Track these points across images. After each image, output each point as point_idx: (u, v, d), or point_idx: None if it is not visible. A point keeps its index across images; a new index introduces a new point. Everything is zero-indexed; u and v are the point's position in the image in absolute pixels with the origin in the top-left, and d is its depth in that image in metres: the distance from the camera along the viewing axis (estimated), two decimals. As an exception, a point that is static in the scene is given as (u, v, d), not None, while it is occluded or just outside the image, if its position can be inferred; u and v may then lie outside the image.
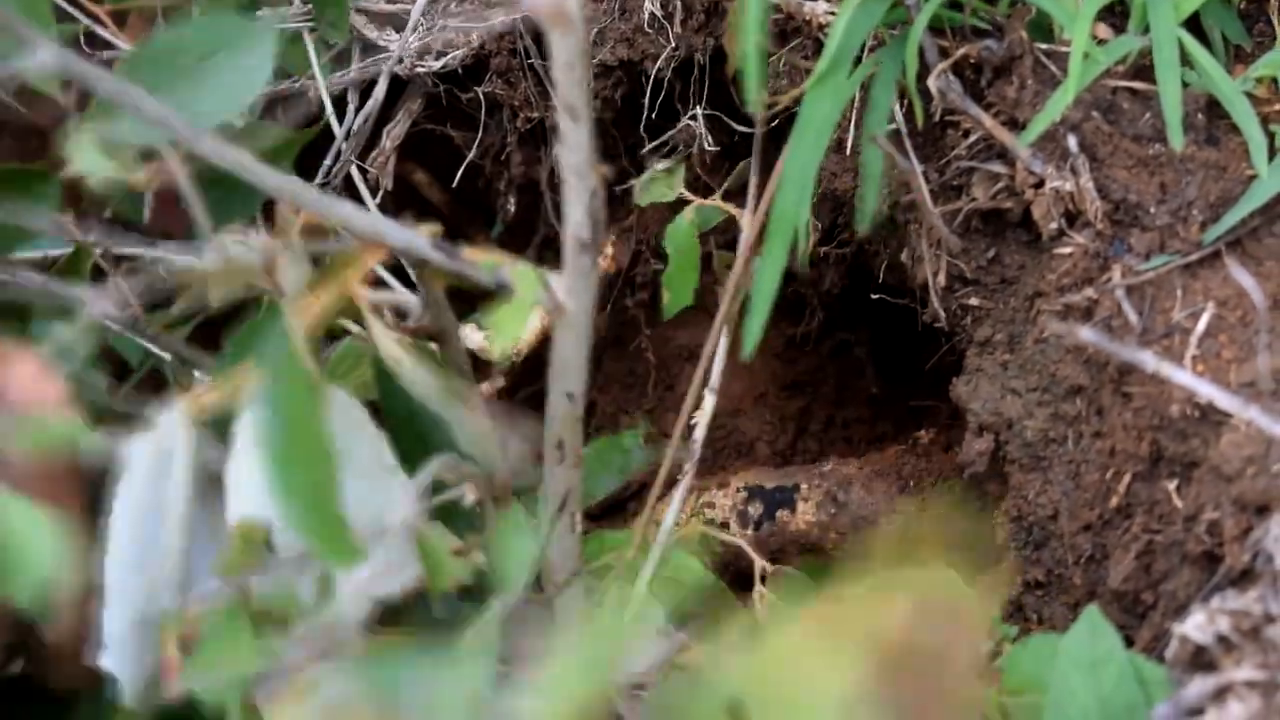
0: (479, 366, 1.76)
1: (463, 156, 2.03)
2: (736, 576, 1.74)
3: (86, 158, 0.97)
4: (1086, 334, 1.12)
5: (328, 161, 1.86)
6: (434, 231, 1.15)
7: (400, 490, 1.17)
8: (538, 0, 1.00)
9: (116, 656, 1.12)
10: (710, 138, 1.78)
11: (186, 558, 1.13)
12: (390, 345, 1.09)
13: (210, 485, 1.21)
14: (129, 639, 1.12)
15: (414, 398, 1.22)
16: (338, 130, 1.87)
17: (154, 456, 1.11)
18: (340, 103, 1.90)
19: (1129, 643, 1.37)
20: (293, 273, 1.10)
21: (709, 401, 1.66)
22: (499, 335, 1.06)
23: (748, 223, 1.55)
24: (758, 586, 1.65)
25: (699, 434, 1.66)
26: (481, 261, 1.11)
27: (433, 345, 1.41)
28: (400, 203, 2.25)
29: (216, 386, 1.12)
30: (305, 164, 1.86)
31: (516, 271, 1.10)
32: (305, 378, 1.03)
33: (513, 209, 2.05)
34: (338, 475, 1.03)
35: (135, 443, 1.11)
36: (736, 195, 1.73)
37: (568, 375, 1.24)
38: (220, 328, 1.41)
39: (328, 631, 1.01)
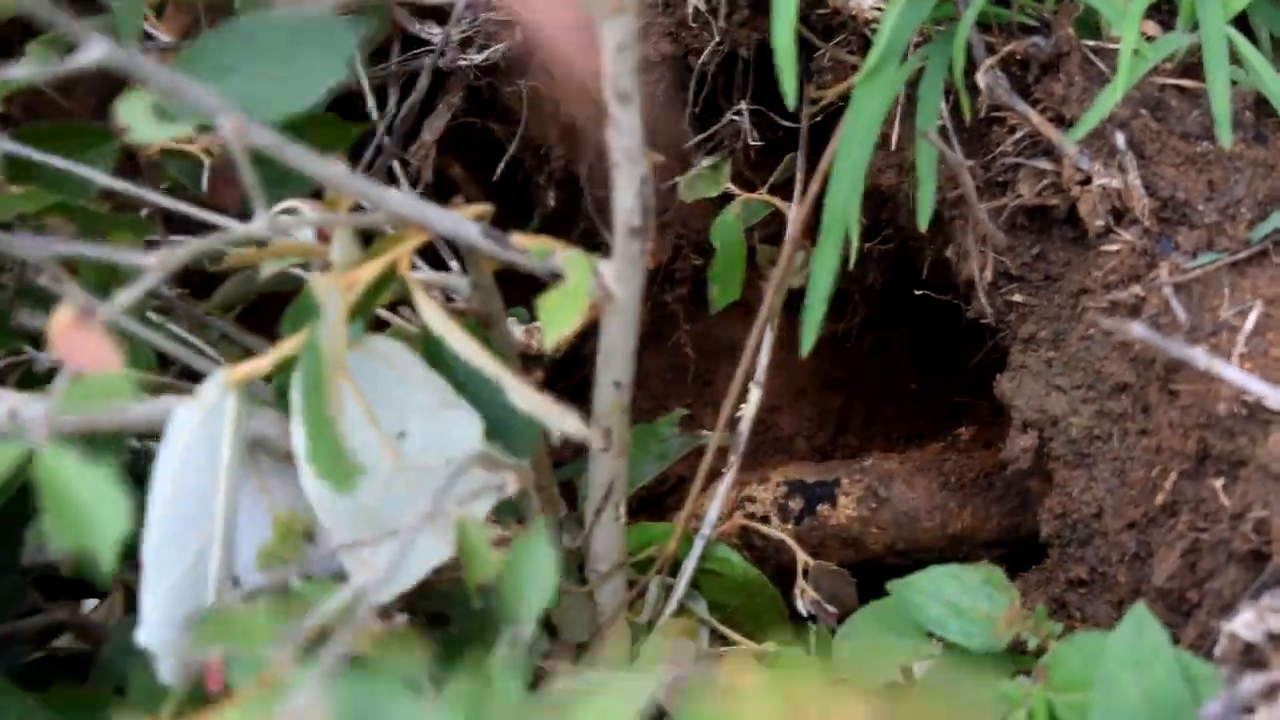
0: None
1: (500, 150, 2.04)
2: (778, 570, 1.74)
3: (140, 124, 0.97)
4: (1138, 330, 1.12)
5: (369, 154, 1.87)
6: (482, 214, 1.15)
7: (465, 422, 1.17)
8: (590, -16, 1.00)
9: (156, 633, 1.11)
10: (755, 133, 1.78)
11: (233, 530, 1.13)
12: (436, 316, 1.09)
13: (257, 455, 1.21)
14: (169, 615, 1.11)
15: (459, 377, 1.23)
16: (380, 122, 1.87)
17: (199, 425, 1.11)
18: (381, 95, 1.90)
19: (1174, 641, 1.37)
20: (342, 247, 1.11)
21: (755, 395, 1.66)
22: (551, 323, 1.05)
23: (793, 217, 1.55)
24: (799, 582, 1.65)
25: (745, 427, 1.66)
26: (531, 248, 1.11)
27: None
28: (439, 196, 2.26)
29: (266, 355, 1.13)
30: (347, 157, 1.86)
31: (567, 258, 1.10)
32: (337, 335, 1.03)
33: (552, 203, 2.05)
34: (342, 417, 1.04)
35: (179, 410, 1.11)
36: (781, 190, 1.73)
37: (615, 363, 1.25)
38: (263, 317, 1.42)
39: (319, 626, 0.99)
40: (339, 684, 0.91)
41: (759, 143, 1.79)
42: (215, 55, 1.29)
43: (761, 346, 1.66)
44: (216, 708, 0.90)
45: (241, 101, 1.39)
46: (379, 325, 1.50)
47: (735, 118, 1.79)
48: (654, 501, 2.05)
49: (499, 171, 2.04)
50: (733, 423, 1.66)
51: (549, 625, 1.51)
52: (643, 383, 2.18)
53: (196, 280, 1.54)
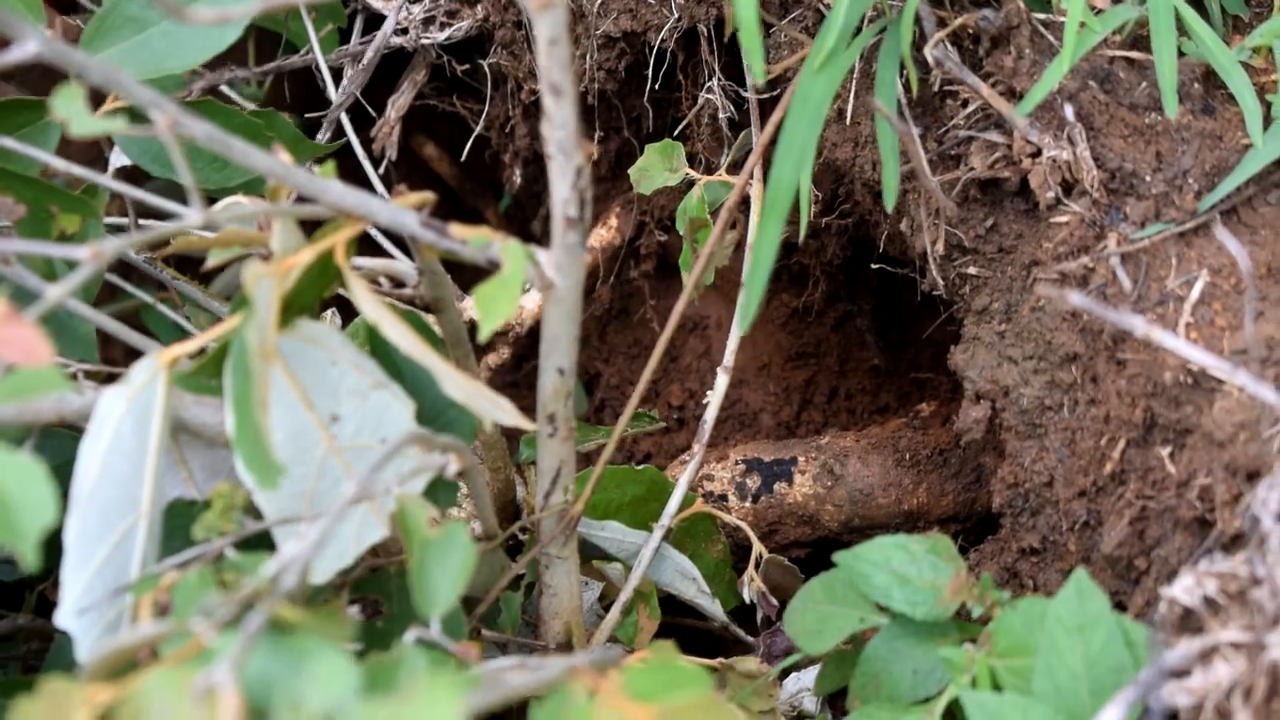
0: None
1: (472, 130, 2.04)
2: (735, 548, 1.75)
3: (77, 117, 0.97)
4: (1076, 299, 1.12)
5: (325, 133, 1.87)
6: (423, 202, 1.15)
7: (397, 404, 1.18)
8: (522, -32, 1.00)
9: (75, 615, 1.12)
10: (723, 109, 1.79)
11: (159, 513, 1.14)
12: (370, 306, 1.10)
13: (187, 446, 1.22)
14: (88, 598, 1.12)
15: (401, 364, 1.24)
16: (335, 97, 1.88)
17: (126, 409, 1.12)
18: (340, 77, 1.91)
19: (1122, 608, 1.38)
20: (282, 236, 1.11)
21: (721, 381, 1.66)
22: (487, 313, 1.05)
23: (732, 194, 1.55)
24: (749, 570, 1.66)
25: (710, 414, 1.66)
26: (470, 238, 1.12)
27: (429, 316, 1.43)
28: (410, 175, 2.27)
29: (197, 339, 1.14)
30: (310, 133, 1.87)
31: (505, 248, 1.10)
32: (264, 326, 1.04)
33: (519, 181, 2.05)
34: (268, 415, 1.05)
35: (107, 393, 1.12)
36: (741, 166, 1.73)
37: (558, 350, 1.25)
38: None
39: (248, 598, 1.00)
40: (260, 647, 0.92)
41: (724, 116, 1.79)
42: (129, 7, 1.30)
43: (732, 332, 1.65)
44: (137, 674, 0.91)
45: (162, 51, 1.41)
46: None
47: (707, 95, 1.79)
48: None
49: (466, 151, 2.05)
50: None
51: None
52: (609, 359, 2.19)
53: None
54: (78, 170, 1.34)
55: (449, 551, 1.09)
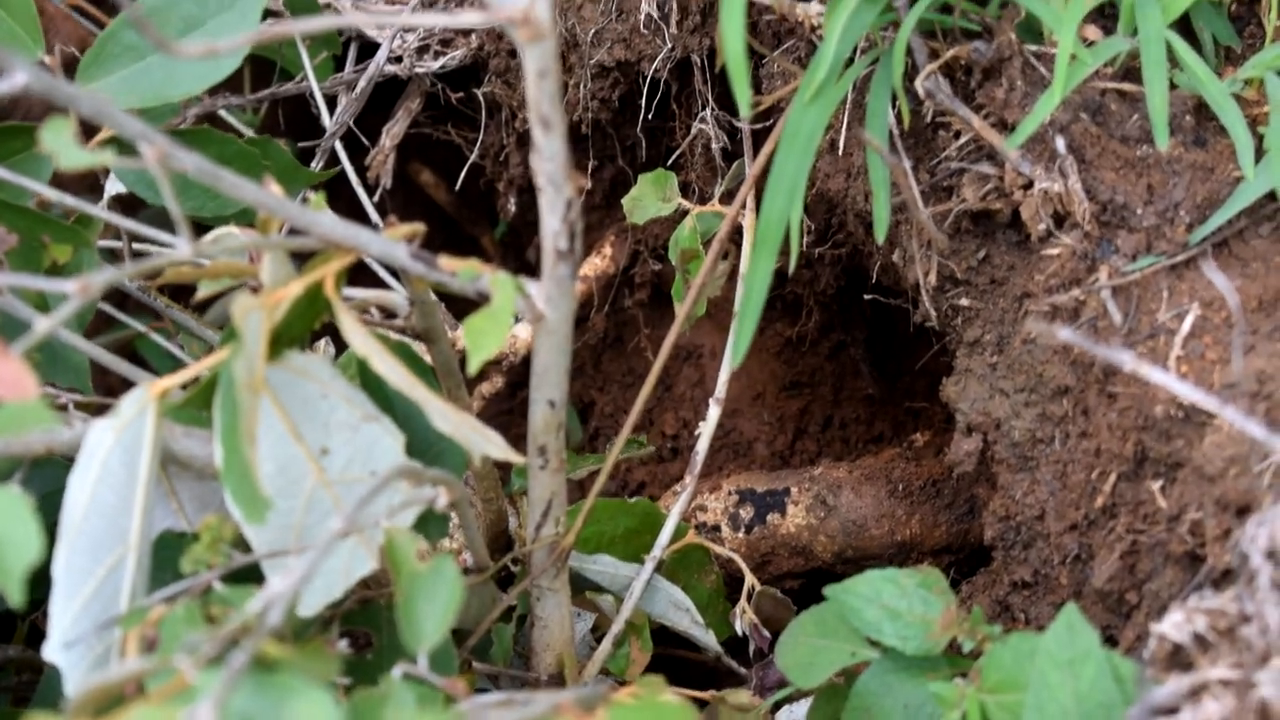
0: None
1: (467, 157, 2.05)
2: (728, 579, 1.75)
3: (64, 148, 0.97)
4: (1064, 334, 1.12)
5: (318, 161, 1.87)
6: (413, 234, 1.15)
7: (387, 436, 1.18)
8: (507, 7, 1.00)
9: (64, 649, 1.12)
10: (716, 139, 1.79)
11: (148, 545, 1.14)
12: (360, 339, 1.10)
13: (178, 478, 1.22)
14: (77, 631, 1.12)
15: (390, 397, 1.24)
16: (329, 126, 1.88)
17: (115, 441, 1.12)
18: (334, 105, 1.91)
19: (1113, 642, 1.38)
20: (272, 268, 1.11)
21: (713, 413, 1.66)
22: (476, 345, 1.05)
23: (724, 225, 1.55)
24: (742, 602, 1.66)
25: (702, 446, 1.66)
26: (460, 270, 1.11)
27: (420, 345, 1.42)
28: (407, 201, 2.27)
29: (186, 371, 1.14)
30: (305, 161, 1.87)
31: (494, 280, 1.10)
32: (252, 360, 1.04)
33: (514, 209, 2.05)
34: (255, 449, 1.05)
35: (94, 427, 1.12)
36: (735, 195, 1.73)
37: (549, 382, 1.25)
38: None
39: (233, 634, 1.00)
40: (245, 685, 0.92)
41: (717, 146, 1.80)
42: (126, 36, 1.30)
43: (724, 364, 1.65)
44: (123, 710, 0.91)
45: (160, 80, 1.41)
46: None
47: (701, 125, 1.79)
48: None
49: (461, 178, 2.05)
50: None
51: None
52: (603, 387, 2.18)
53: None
54: (70, 200, 1.34)
55: (436, 586, 1.09)
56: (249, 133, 1.99)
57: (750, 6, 1.63)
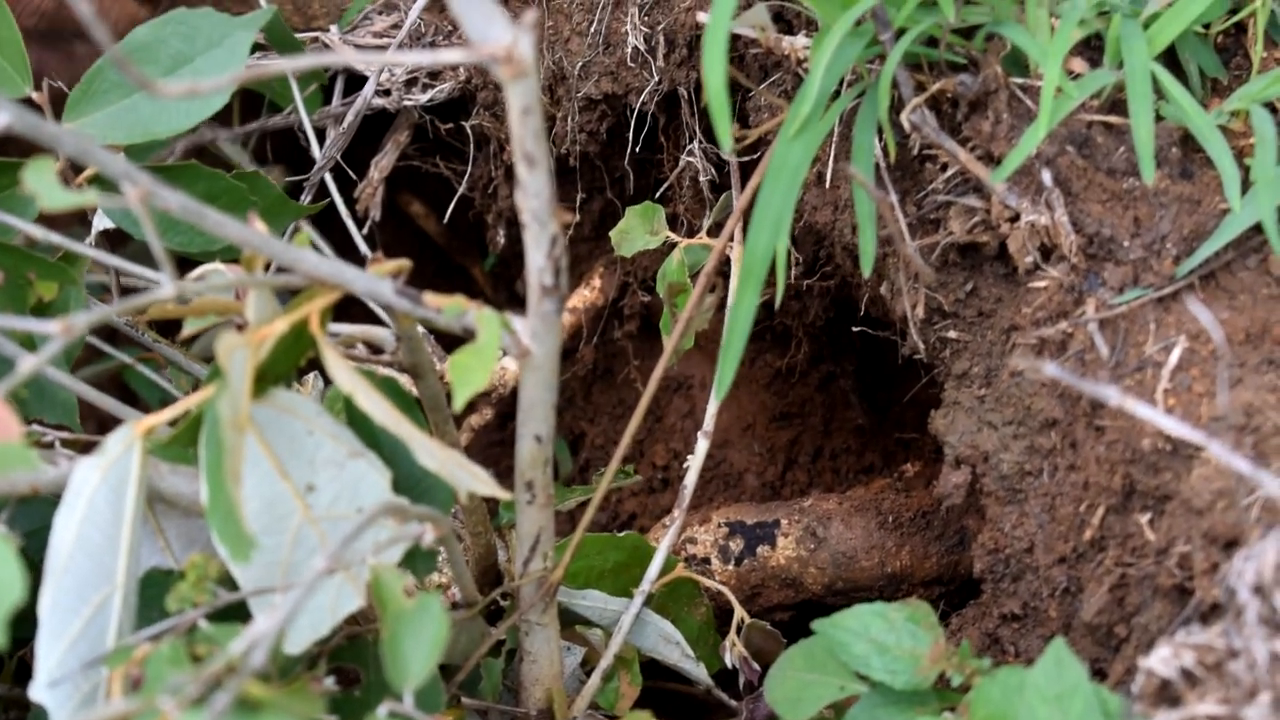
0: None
1: (456, 189, 2.05)
2: (718, 611, 1.75)
3: (46, 189, 0.97)
4: (1050, 369, 1.12)
5: (307, 195, 1.87)
6: (399, 270, 1.15)
7: (373, 473, 1.17)
8: (489, 44, 1.00)
9: (50, 689, 1.11)
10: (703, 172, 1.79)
11: (134, 585, 1.13)
12: (344, 375, 1.10)
13: (164, 516, 1.22)
14: (63, 671, 1.11)
15: (377, 433, 1.24)
16: (319, 159, 1.88)
17: (101, 480, 1.11)
18: (324, 137, 1.91)
19: (1102, 676, 1.38)
20: (257, 305, 1.11)
21: (702, 446, 1.66)
22: (461, 381, 1.05)
23: (711, 258, 1.55)
24: (731, 635, 1.65)
25: (690, 479, 1.66)
26: (445, 306, 1.11)
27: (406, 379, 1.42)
28: (398, 232, 2.27)
29: (172, 408, 1.13)
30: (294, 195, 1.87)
31: (479, 317, 1.10)
32: (237, 398, 1.04)
33: (503, 241, 2.05)
34: (241, 487, 1.05)
35: (80, 466, 1.12)
36: (723, 228, 1.73)
37: (535, 417, 1.25)
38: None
39: (217, 674, 1.00)
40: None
41: (705, 179, 1.80)
42: (113, 73, 1.30)
43: (711, 397, 1.64)
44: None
45: (148, 116, 1.42)
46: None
47: (689, 159, 1.80)
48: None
49: (450, 210, 2.05)
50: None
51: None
52: (593, 419, 2.18)
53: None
54: (55, 238, 1.34)
55: (422, 624, 1.09)
56: (243, 159, 2.00)
57: (736, 40, 1.63)
